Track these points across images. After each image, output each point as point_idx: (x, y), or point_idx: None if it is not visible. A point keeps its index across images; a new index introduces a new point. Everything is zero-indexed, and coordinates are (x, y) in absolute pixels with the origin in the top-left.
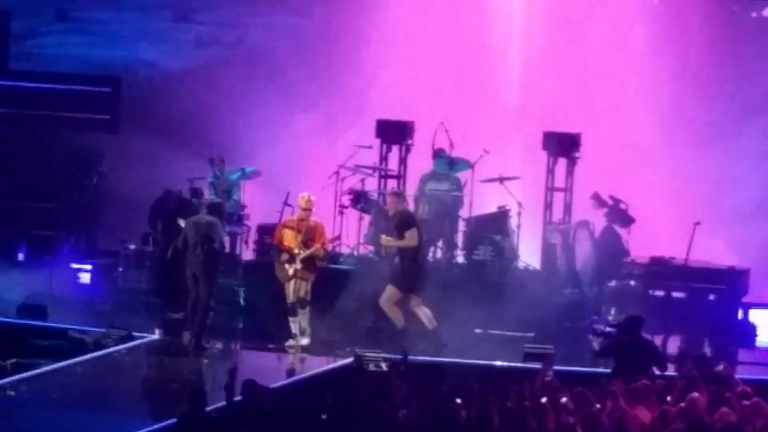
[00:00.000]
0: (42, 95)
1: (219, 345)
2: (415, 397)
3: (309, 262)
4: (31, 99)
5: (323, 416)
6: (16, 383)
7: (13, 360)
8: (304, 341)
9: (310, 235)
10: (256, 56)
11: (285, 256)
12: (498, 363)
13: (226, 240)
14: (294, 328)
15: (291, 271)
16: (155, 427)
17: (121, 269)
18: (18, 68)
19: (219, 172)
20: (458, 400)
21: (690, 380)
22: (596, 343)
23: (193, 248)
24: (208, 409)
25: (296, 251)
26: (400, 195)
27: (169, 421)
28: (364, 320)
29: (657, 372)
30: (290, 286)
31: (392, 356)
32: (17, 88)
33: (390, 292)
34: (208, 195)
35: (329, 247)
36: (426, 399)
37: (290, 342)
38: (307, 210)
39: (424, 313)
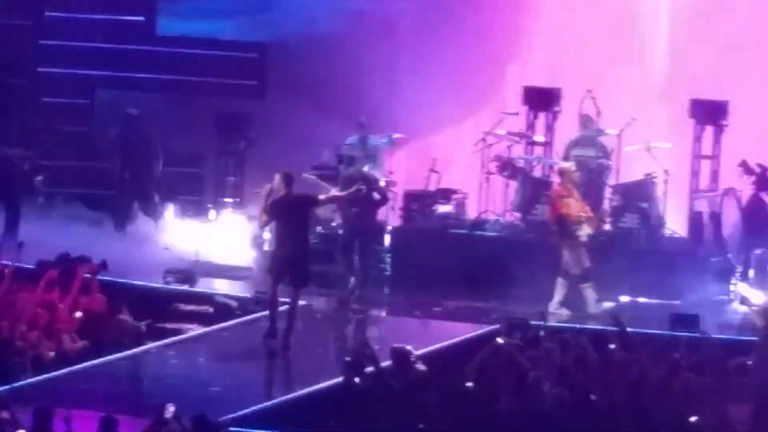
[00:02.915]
0: (190, 61)
1: (365, 312)
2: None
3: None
4: (179, 65)
5: (468, 384)
6: (164, 347)
7: (147, 322)
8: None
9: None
10: (402, 23)
11: (575, 227)
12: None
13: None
14: (589, 294)
15: (585, 237)
16: (301, 392)
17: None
18: (166, 34)
19: (365, 137)
20: None
21: None
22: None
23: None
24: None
25: (588, 215)
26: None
27: (315, 387)
28: (510, 287)
29: None
30: (584, 252)
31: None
32: (165, 54)
33: None
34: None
35: None
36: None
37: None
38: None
39: None
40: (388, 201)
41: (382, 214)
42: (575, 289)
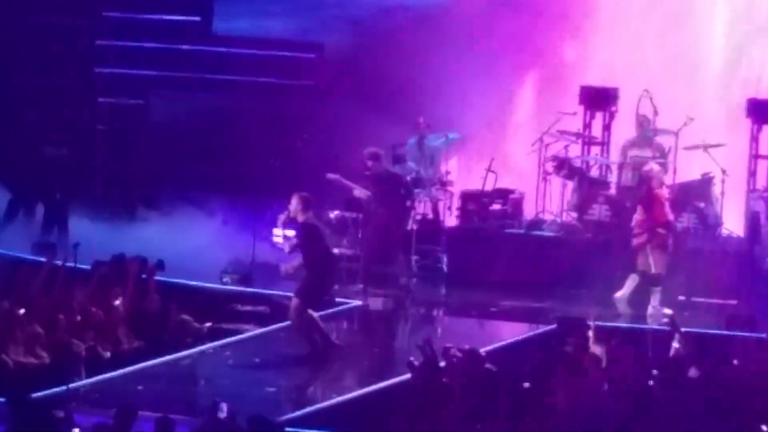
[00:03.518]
0: (246, 61)
1: (422, 311)
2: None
3: None
4: (236, 65)
5: (525, 384)
6: (221, 348)
7: (209, 324)
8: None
9: None
10: (461, 22)
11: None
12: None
13: (429, 206)
14: (656, 299)
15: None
16: (359, 392)
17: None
18: (223, 33)
19: (422, 137)
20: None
21: None
22: None
23: None
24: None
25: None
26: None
27: (372, 387)
28: (567, 287)
29: None
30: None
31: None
32: (222, 53)
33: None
34: (410, 160)
35: None
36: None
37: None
38: None
39: None
40: (414, 199)
41: (441, 214)
42: (641, 290)
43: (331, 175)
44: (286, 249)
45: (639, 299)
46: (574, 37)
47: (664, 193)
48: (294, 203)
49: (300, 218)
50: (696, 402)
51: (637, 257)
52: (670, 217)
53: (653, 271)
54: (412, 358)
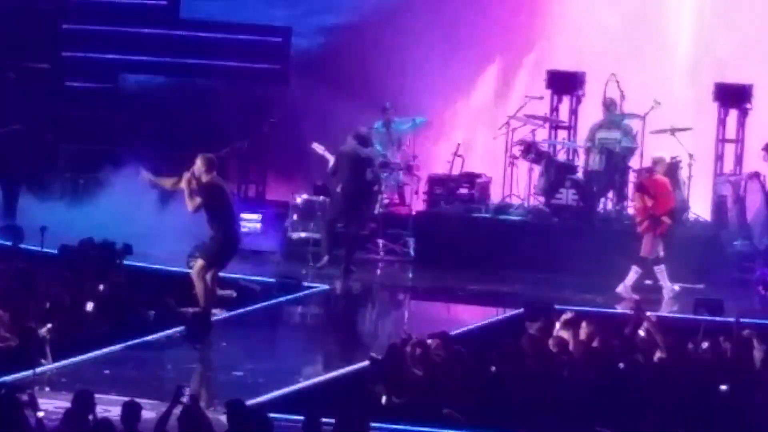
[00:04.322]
0: (212, 45)
1: (388, 295)
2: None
3: None
4: (202, 49)
5: (492, 368)
6: (176, 333)
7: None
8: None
9: None
10: (427, 6)
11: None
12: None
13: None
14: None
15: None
16: (327, 376)
17: (290, 219)
18: (189, 18)
19: (389, 122)
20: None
21: None
22: None
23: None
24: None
25: None
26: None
27: (341, 371)
28: (534, 271)
29: None
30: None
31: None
32: (188, 37)
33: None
34: (376, 144)
35: None
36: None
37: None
38: None
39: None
40: (381, 183)
41: (407, 198)
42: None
43: (316, 145)
44: (190, 208)
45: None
46: (542, 19)
47: (666, 180)
48: (198, 164)
49: (204, 179)
50: (662, 385)
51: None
52: (673, 201)
53: (652, 256)
54: (373, 354)
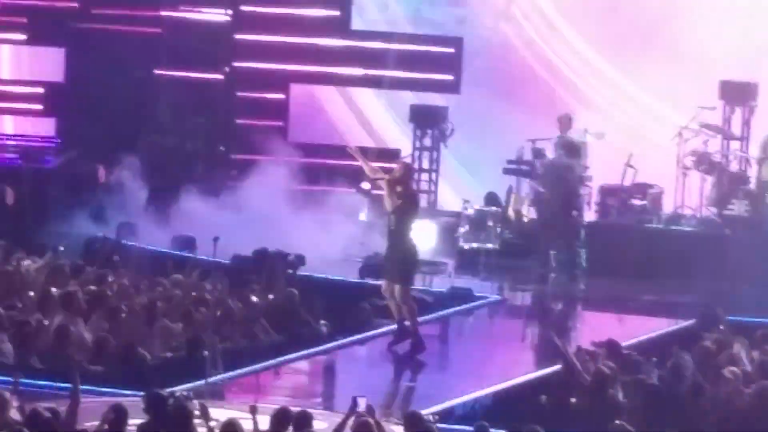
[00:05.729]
0: (385, 55)
1: (560, 306)
2: None
3: None
4: (374, 59)
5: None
6: (350, 344)
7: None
8: None
9: None
10: (597, 17)
11: None
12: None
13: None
14: None
15: None
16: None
17: (462, 229)
18: (360, 28)
19: (564, 133)
20: None
21: None
22: None
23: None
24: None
25: None
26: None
27: (512, 382)
28: (706, 282)
29: None
30: None
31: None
32: (360, 48)
33: None
34: (553, 155)
35: None
36: None
37: None
38: None
39: None
40: (579, 194)
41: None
42: None
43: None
44: (388, 207)
45: None
46: (716, 30)
47: None
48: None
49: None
50: None
51: None
52: None
53: None
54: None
